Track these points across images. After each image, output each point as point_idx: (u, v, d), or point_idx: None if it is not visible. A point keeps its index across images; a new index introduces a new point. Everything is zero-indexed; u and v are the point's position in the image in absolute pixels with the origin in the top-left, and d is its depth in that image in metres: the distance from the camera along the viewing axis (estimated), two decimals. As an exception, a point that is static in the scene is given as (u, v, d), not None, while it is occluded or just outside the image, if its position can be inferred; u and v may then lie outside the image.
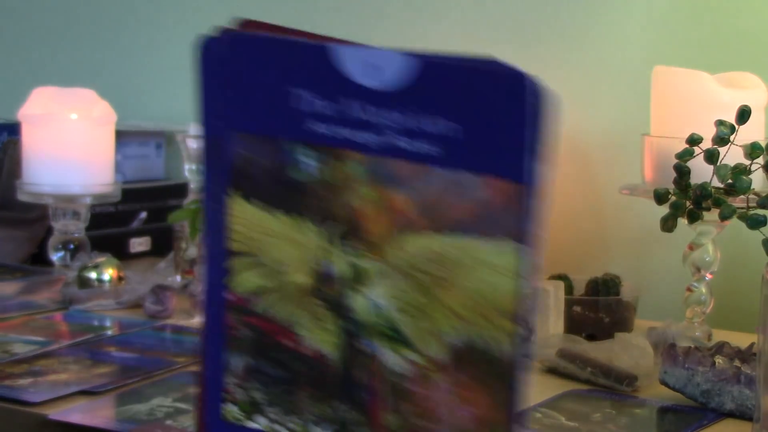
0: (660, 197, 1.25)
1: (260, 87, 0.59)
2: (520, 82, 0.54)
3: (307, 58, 0.58)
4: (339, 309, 0.60)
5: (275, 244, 0.60)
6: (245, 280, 0.61)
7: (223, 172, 0.60)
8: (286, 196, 0.59)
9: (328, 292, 0.60)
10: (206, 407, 0.63)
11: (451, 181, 0.55)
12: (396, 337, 0.58)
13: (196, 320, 1.41)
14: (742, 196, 1.19)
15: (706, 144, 1.21)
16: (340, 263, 0.59)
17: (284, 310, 0.61)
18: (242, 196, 0.60)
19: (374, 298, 0.59)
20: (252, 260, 0.61)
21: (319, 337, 0.60)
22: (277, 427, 0.61)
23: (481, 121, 0.54)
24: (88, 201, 1.63)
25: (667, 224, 1.26)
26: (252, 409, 0.62)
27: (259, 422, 0.62)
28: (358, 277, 0.59)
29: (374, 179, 0.57)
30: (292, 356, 0.61)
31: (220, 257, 0.61)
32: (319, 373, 0.60)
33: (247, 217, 0.60)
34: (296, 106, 0.58)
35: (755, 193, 1.21)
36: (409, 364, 0.58)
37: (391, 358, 0.59)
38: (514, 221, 0.54)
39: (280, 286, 0.60)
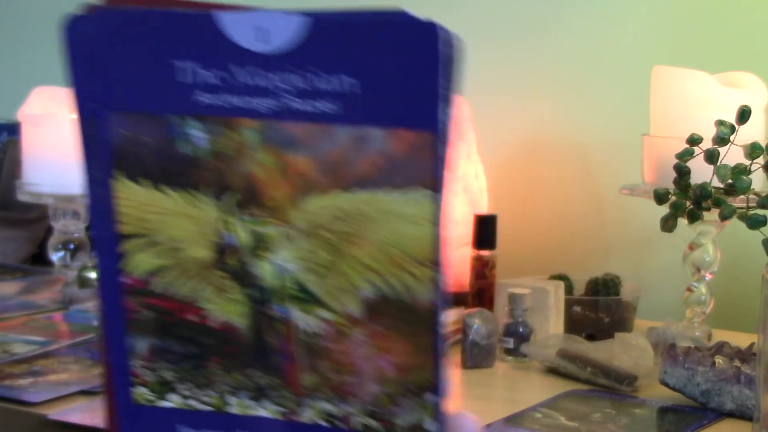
0: (660, 197, 1.25)
1: (140, 63, 0.58)
2: (432, 31, 0.54)
3: (191, 29, 0.57)
4: (243, 278, 0.60)
5: (169, 221, 0.60)
6: (141, 261, 0.61)
7: (104, 155, 0.59)
8: (176, 171, 0.59)
9: (231, 263, 0.60)
10: (115, 393, 0.62)
11: (353, 137, 0.55)
12: (306, 298, 0.59)
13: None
14: (742, 196, 1.19)
15: (706, 144, 1.21)
16: (240, 232, 0.59)
17: (185, 287, 0.61)
18: (128, 177, 0.59)
19: (279, 263, 0.59)
20: (145, 241, 0.60)
21: (226, 309, 0.60)
22: (191, 402, 0.62)
23: (385, 73, 0.54)
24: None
25: (667, 224, 1.26)
26: (163, 388, 0.62)
27: (172, 400, 0.62)
28: (261, 244, 0.59)
29: (270, 144, 0.57)
30: (198, 331, 0.61)
31: (110, 242, 0.60)
32: (229, 344, 0.60)
33: (135, 198, 0.60)
34: (182, 80, 0.57)
35: (755, 193, 1.21)
36: (323, 322, 0.59)
37: (303, 319, 0.59)
38: (427, 170, 0.55)
39: (179, 262, 0.60)
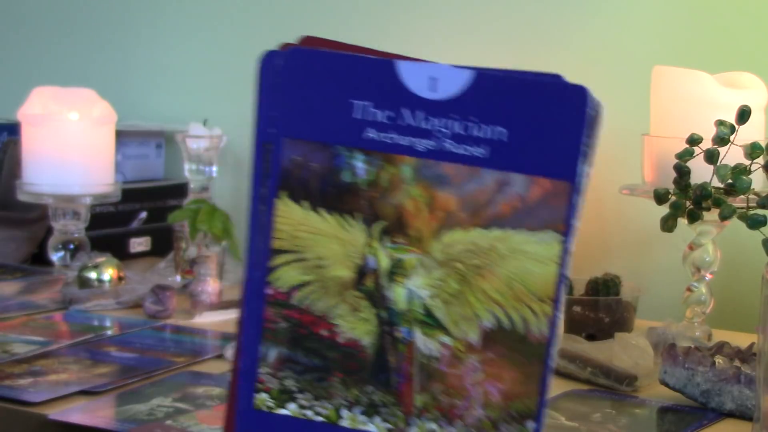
0: (660, 197, 1.25)
1: (321, 98, 0.64)
2: (582, 94, 0.61)
3: (372, 72, 0.63)
4: (377, 299, 0.64)
5: (319, 241, 0.65)
6: (287, 275, 0.65)
7: (274, 175, 0.65)
8: (335, 197, 0.64)
9: (368, 284, 0.65)
10: (239, 397, 0.66)
11: (498, 181, 0.62)
12: (431, 323, 0.64)
13: (197, 320, 1.41)
14: (742, 196, 1.19)
15: (706, 144, 1.21)
16: (381, 257, 0.64)
17: (323, 303, 0.65)
18: (290, 197, 0.65)
19: (412, 288, 0.64)
20: (294, 257, 0.65)
21: (356, 326, 0.65)
22: (307, 412, 0.65)
23: (535, 127, 0.61)
24: (88, 201, 1.63)
25: (667, 224, 1.26)
26: (283, 396, 0.66)
27: (290, 408, 0.65)
28: (398, 270, 0.64)
29: (423, 180, 0.63)
30: (326, 345, 0.65)
31: (263, 255, 0.65)
32: (353, 360, 0.65)
33: (293, 217, 0.65)
34: (356, 116, 0.63)
35: (755, 193, 1.21)
36: (442, 346, 0.63)
37: (424, 342, 0.64)
38: (560, 216, 0.61)
39: (321, 280, 0.65)
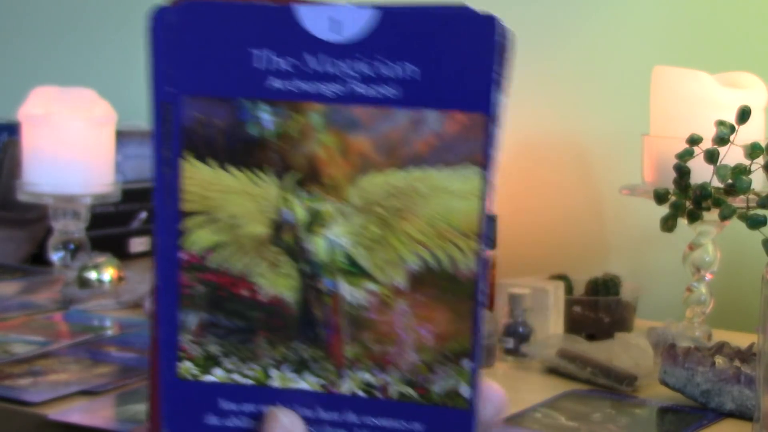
0: (660, 197, 1.25)
1: (218, 51, 0.62)
2: (490, 23, 0.60)
3: (270, 20, 0.62)
4: (297, 253, 0.63)
5: (231, 199, 0.63)
6: (199, 238, 0.64)
7: (175, 136, 0.63)
8: (242, 152, 0.63)
9: (286, 239, 0.63)
10: (161, 368, 0.64)
11: (411, 119, 0.60)
12: (355, 271, 0.62)
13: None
14: (742, 196, 1.19)
15: (706, 144, 1.21)
16: (297, 209, 0.63)
17: (240, 262, 0.63)
18: (196, 157, 0.63)
19: (332, 238, 0.62)
20: (206, 218, 0.63)
21: (277, 283, 0.63)
22: (234, 376, 0.64)
23: (445, 61, 0.60)
24: (88, 201, 1.63)
25: (667, 224, 1.26)
26: (208, 362, 0.64)
27: (216, 374, 0.64)
28: (316, 220, 0.63)
29: (333, 126, 0.61)
30: (248, 305, 0.63)
31: (172, 220, 0.63)
32: (277, 318, 0.63)
33: (201, 177, 0.63)
34: (257, 66, 0.62)
35: (755, 193, 1.21)
36: (369, 294, 0.62)
37: (350, 291, 0.63)
38: (478, 148, 0.60)
39: (236, 239, 0.63)
